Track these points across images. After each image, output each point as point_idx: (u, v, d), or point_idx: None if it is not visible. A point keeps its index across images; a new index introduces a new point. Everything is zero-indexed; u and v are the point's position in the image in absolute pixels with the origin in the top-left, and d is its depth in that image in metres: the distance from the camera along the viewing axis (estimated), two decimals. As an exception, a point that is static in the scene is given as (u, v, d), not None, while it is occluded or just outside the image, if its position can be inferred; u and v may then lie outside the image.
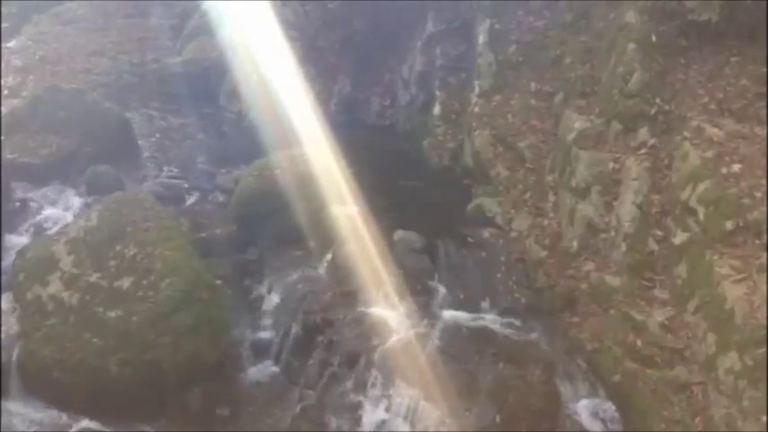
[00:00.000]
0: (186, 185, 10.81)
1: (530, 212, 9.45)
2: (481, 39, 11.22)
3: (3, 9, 16.50)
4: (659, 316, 7.63)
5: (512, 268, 8.91)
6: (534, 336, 8.06)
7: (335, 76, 13.25)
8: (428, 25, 12.18)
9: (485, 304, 8.45)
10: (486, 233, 9.48)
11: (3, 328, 7.74)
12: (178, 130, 12.66)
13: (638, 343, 7.51)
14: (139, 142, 11.88)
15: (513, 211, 9.61)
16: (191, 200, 10.58)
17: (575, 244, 8.65)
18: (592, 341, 7.83)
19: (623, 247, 8.19)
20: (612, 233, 8.40)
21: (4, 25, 15.91)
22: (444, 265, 8.87)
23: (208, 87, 13.31)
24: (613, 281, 8.08)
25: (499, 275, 8.82)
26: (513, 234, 9.35)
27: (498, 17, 11.10)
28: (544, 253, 8.87)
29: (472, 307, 8.38)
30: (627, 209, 8.34)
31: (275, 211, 9.62)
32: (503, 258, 9.06)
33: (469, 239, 9.38)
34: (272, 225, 9.64)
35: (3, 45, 15.04)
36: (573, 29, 10.52)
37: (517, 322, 8.24)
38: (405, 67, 12.62)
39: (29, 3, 16.32)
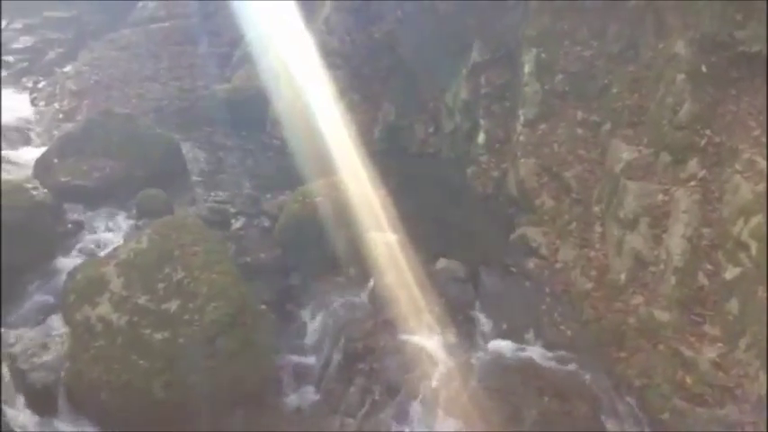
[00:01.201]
0: (232, 210, 10.98)
1: (576, 243, 9.34)
2: (527, 68, 11.20)
3: (58, 33, 17.13)
4: (710, 353, 7.44)
5: (557, 300, 8.81)
6: (580, 370, 7.92)
7: (379, 103, 13.35)
8: (473, 54, 12.20)
9: (529, 336, 8.36)
10: (530, 263, 9.40)
11: (52, 348, 7.91)
12: (225, 156, 12.90)
13: (688, 380, 7.33)
14: (188, 167, 12.13)
15: (558, 241, 9.51)
16: (236, 224, 10.72)
17: (622, 276, 8.52)
18: (639, 377, 7.66)
19: (672, 280, 8.03)
20: (661, 266, 8.24)
21: (59, 50, 16.52)
22: (487, 295, 8.81)
23: (254, 114, 13.56)
24: (662, 315, 7.91)
25: (544, 307, 8.72)
26: (559, 265, 9.24)
27: (544, 46, 11.07)
28: (590, 285, 8.74)
29: (516, 338, 8.30)
30: (676, 242, 8.19)
31: (318, 238, 9.69)
32: (547, 290, 8.96)
33: (513, 269, 9.31)
34: (314, 251, 9.70)
35: (59, 70, 15.62)
36: (620, 59, 10.43)
37: (562, 355, 8.12)
38: (449, 95, 12.64)
39: (85, 29, 16.94)
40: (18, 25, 17.53)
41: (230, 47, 15.58)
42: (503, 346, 8.22)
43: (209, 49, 15.89)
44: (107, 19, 17.24)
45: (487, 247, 9.98)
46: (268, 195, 11.41)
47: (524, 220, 10.23)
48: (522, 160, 10.62)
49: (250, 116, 13.48)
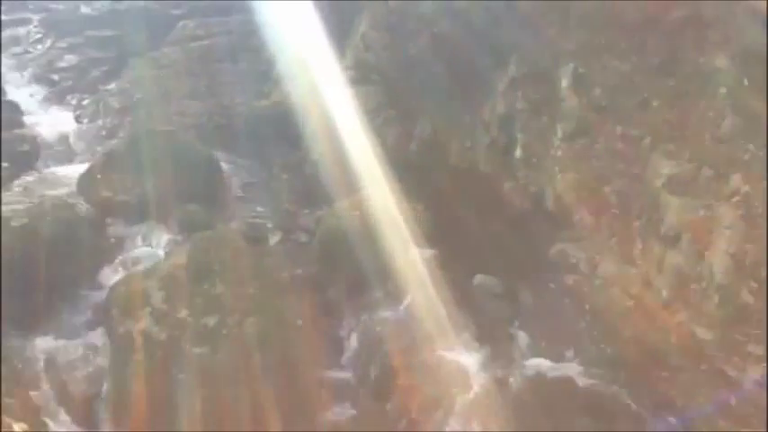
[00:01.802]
0: (270, 225, 11.06)
1: (616, 260, 9.19)
2: (564, 82, 11.12)
3: (101, 52, 17.55)
4: (754, 372, 7.25)
5: (597, 317, 8.68)
6: (620, 389, 7.78)
7: (415, 118, 13.35)
8: (510, 68, 12.15)
9: (568, 353, 8.26)
10: (569, 280, 9.29)
11: (94, 361, 8.06)
12: (263, 171, 13.03)
13: (732, 401, 7.14)
14: (227, 182, 12.27)
15: (597, 257, 9.38)
16: (274, 240, 10.80)
17: (664, 294, 8.36)
18: (682, 397, 7.50)
19: (716, 298, 7.86)
20: (704, 284, 8.07)
21: (103, 68, 16.91)
22: (525, 312, 8.75)
23: (292, 129, 13.67)
24: (705, 334, 7.74)
25: (583, 324, 8.61)
26: (598, 281, 9.11)
27: (582, 60, 10.98)
28: (631, 302, 8.60)
29: (555, 356, 8.20)
30: (719, 258, 8.01)
31: (355, 253, 9.71)
32: (587, 307, 8.84)
33: (552, 286, 9.22)
34: (351, 266, 9.72)
35: (102, 88, 15.99)
36: (660, 73, 10.28)
37: (602, 374, 7.99)
38: (486, 110, 12.59)
39: (128, 48, 17.31)
40: (63, 44, 17.98)
41: (269, 64, 15.76)
42: (541, 363, 8.13)
43: (247, 66, 16.08)
44: (149, 38, 17.55)
45: (525, 263, 9.88)
46: (305, 211, 11.49)
47: (563, 235, 10.11)
48: (561, 175, 10.52)
49: (288, 131, 13.59)
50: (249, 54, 16.10)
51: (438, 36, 13.13)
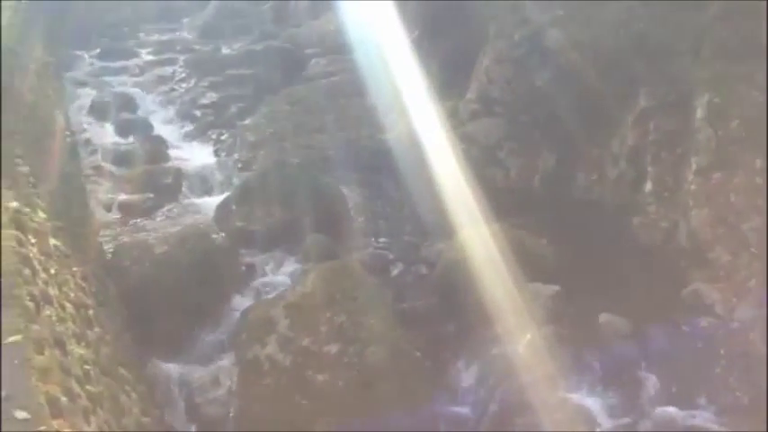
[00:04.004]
0: (392, 256, 11.25)
1: (754, 302, 8.61)
2: (699, 113, 10.64)
3: (239, 90, 18.64)
4: None
5: (733, 363, 8.13)
6: (761, 441, 7.24)
7: (539, 150, 13.20)
8: (640, 99, 11.78)
9: (701, 401, 7.78)
10: (703, 322, 8.78)
11: (224, 384, 8.47)
12: (387, 203, 13.30)
13: None
14: (352, 213, 12.62)
15: (735, 299, 8.82)
16: (395, 271, 10.97)
17: (809, 341, 7.73)
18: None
19: None
20: None
21: (240, 105, 17.94)
22: (654, 355, 8.32)
23: (415, 161, 13.86)
24: None
25: (718, 370, 8.08)
26: (735, 325, 8.56)
27: (717, 91, 10.48)
28: (771, 348, 8.01)
29: (686, 403, 7.75)
30: None
31: (476, 286, 9.65)
32: (722, 351, 8.30)
33: (684, 328, 8.75)
34: (472, 299, 9.66)
35: (239, 123, 16.95)
36: (805, 103, 9.64)
37: (738, 423, 7.46)
38: (614, 142, 12.24)
39: (264, 85, 18.31)
40: (205, 83, 19.27)
41: (394, 97, 16.13)
42: (671, 411, 7.70)
43: (374, 100, 16.55)
44: (283, 76, 18.54)
45: (655, 302, 9.44)
46: (426, 243, 11.59)
47: (697, 274, 9.59)
48: (695, 211, 10.03)
49: (410, 163, 13.81)
50: (376, 88, 16.56)
51: (564, 68, 12.96)
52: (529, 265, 9.60)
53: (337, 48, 18.71)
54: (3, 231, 5.27)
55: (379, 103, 16.13)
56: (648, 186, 11.40)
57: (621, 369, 8.17)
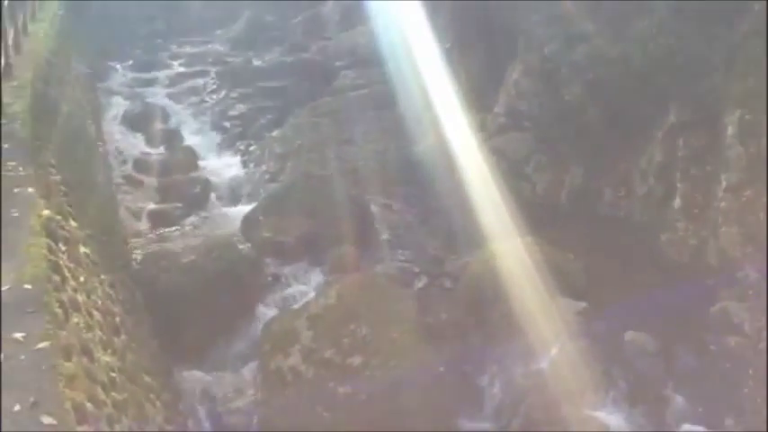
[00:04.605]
0: (416, 270, 11.23)
1: (784, 322, 8.46)
2: (730, 130, 10.49)
3: (269, 102, 18.85)
4: None
5: (761, 383, 7.96)
6: (790, 465, 7.09)
7: (567, 165, 13.12)
8: (670, 115, 11.67)
9: (729, 421, 7.65)
10: (731, 341, 8.63)
11: (247, 394, 8.53)
12: (413, 215, 13.30)
13: None
14: (377, 225, 12.64)
15: (764, 318, 8.65)
16: (419, 284, 10.94)
17: (841, 363, 7.55)
18: None
19: None
20: None
21: (269, 116, 18.12)
22: (681, 374, 8.21)
23: (443, 174, 13.87)
24: None
25: (746, 390, 7.93)
26: (764, 345, 8.39)
27: (749, 107, 10.33)
28: (802, 369, 7.84)
29: (713, 423, 7.63)
30: None
31: (500, 300, 9.62)
32: (751, 371, 8.14)
33: (711, 347, 8.60)
34: (496, 314, 9.63)
35: (268, 134, 17.10)
36: (840, 120, 9.46)
37: (767, 446, 7.32)
38: (643, 158, 12.13)
39: (293, 97, 18.48)
40: (235, 94, 19.53)
41: (423, 110, 16.17)
42: (698, 430, 7.57)
43: (403, 112, 16.59)
44: (312, 88, 18.70)
45: (682, 320, 9.30)
46: (452, 256, 11.55)
47: (725, 293, 9.43)
48: (724, 228, 9.88)
49: (438, 176, 13.81)
50: (405, 101, 16.61)
51: (593, 83, 12.89)
52: (555, 281, 9.53)
53: (367, 60, 18.83)
54: (35, 239, 5.39)
55: (408, 115, 16.17)
56: (677, 203, 11.26)
57: (647, 387, 8.07)
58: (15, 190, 5.97)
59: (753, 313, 8.80)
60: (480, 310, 9.74)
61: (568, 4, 13.42)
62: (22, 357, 4.14)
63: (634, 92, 12.19)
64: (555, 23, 13.63)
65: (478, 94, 14.49)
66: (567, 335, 8.87)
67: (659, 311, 9.44)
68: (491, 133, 14.07)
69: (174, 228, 12.82)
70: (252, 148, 16.61)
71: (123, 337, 6.61)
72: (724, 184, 10.30)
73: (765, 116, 9.90)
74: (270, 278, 11.06)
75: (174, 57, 23.57)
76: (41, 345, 4.27)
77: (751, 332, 8.65)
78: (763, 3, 10.37)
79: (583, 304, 9.30)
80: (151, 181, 14.75)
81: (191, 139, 17.21)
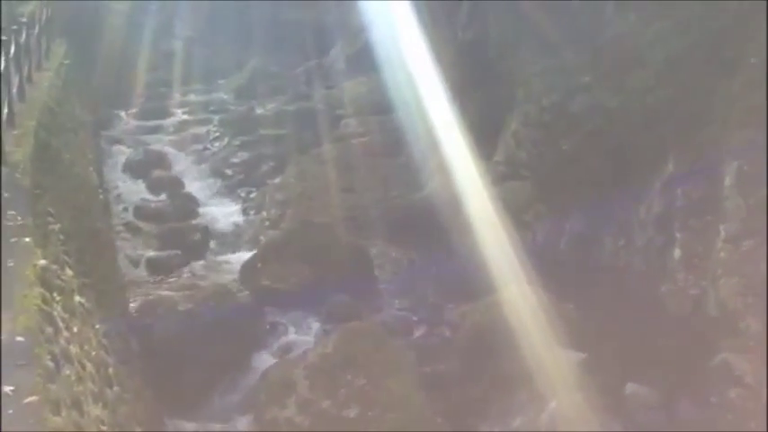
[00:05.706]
0: (415, 318, 11.19)
1: (787, 374, 8.34)
2: (728, 180, 10.53)
3: (270, 149, 18.98)
4: None
5: (765, 438, 7.84)
6: None
7: (566, 214, 13.14)
8: (668, 165, 11.73)
9: (731, 477, 7.49)
10: (732, 393, 8.50)
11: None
12: (412, 263, 13.29)
13: None
14: (376, 273, 12.61)
15: (765, 370, 8.54)
16: (418, 333, 10.90)
17: None
18: None
19: None
20: None
21: (271, 164, 18.24)
22: (683, 427, 8.09)
23: (442, 222, 13.89)
24: None
25: (749, 445, 7.80)
26: (766, 397, 8.26)
27: (747, 158, 10.38)
28: (805, 423, 7.71)
29: (716, 478, 7.46)
30: None
31: (500, 351, 9.53)
32: (753, 424, 8.01)
33: (713, 400, 8.48)
34: (496, 364, 9.54)
35: (269, 182, 17.18)
36: (837, 172, 9.49)
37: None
38: (642, 208, 12.14)
39: (294, 145, 18.65)
40: (237, 142, 19.67)
41: (424, 158, 16.28)
42: (700, 485, 7.42)
43: (404, 160, 16.70)
44: (313, 136, 18.86)
45: (683, 372, 9.19)
46: (450, 305, 11.50)
47: (726, 344, 9.33)
48: (724, 279, 9.82)
49: (437, 224, 13.83)
50: (406, 149, 16.74)
51: (592, 133, 13.01)
52: (555, 331, 9.46)
53: (368, 109, 19.04)
54: (29, 290, 5.38)
55: (408, 163, 16.30)
56: (677, 253, 11.22)
57: (648, 441, 7.92)
58: (13, 239, 5.97)
59: (754, 365, 8.69)
60: (479, 361, 9.65)
61: (568, 55, 13.63)
62: (10, 412, 4.09)
63: (632, 142, 12.28)
64: (554, 74, 13.82)
65: (477, 143, 14.61)
66: (567, 387, 8.75)
67: (660, 363, 9.35)
68: (490, 181, 14.13)
69: (172, 275, 12.80)
70: (253, 195, 16.70)
71: (116, 388, 6.53)
72: (723, 234, 10.28)
73: (765, 167, 9.95)
74: (268, 326, 11.01)
75: (178, 105, 23.82)
76: (30, 399, 4.22)
77: (752, 383, 8.53)
78: (761, 55, 10.53)
79: (582, 355, 9.20)
80: (151, 228, 14.78)
81: (192, 186, 17.31)
